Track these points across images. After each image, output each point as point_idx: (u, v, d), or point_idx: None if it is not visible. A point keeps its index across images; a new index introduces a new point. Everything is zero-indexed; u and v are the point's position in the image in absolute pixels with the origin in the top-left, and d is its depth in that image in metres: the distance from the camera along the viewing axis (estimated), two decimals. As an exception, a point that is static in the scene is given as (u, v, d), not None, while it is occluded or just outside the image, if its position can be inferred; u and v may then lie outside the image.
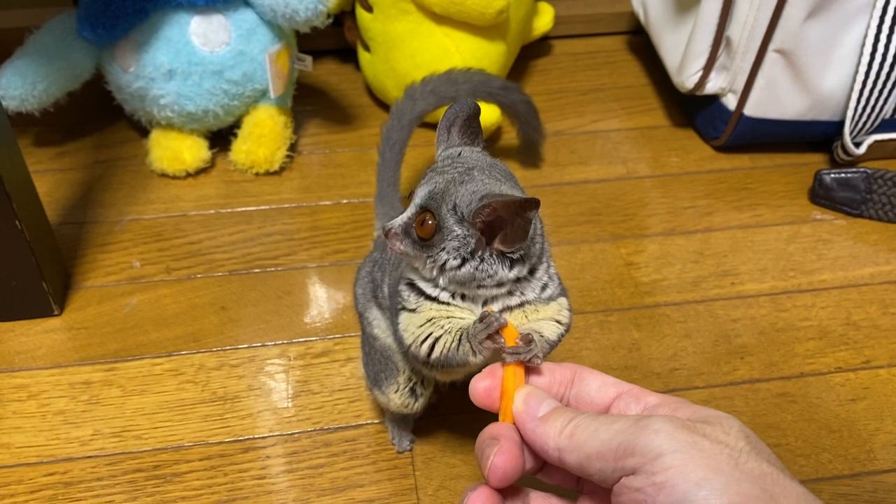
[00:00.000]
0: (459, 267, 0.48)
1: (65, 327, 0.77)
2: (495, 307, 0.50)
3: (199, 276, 0.83)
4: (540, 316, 0.51)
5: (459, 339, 0.49)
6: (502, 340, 0.46)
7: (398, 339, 0.54)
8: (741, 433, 0.36)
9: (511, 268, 0.49)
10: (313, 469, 0.66)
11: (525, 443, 0.41)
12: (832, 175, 0.91)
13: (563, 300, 0.52)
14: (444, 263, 0.48)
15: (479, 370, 0.45)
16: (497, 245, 0.47)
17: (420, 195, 0.48)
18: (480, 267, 0.48)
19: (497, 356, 0.47)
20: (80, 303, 0.80)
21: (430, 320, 0.51)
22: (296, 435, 0.69)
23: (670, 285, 0.83)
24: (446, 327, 0.50)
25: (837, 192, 0.91)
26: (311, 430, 0.69)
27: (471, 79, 0.82)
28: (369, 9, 0.98)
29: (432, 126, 0.97)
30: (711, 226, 0.90)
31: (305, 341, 0.77)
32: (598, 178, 0.97)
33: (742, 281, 0.84)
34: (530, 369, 0.45)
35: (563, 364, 0.45)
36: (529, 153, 0.97)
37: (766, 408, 0.71)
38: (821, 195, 0.92)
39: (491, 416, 0.44)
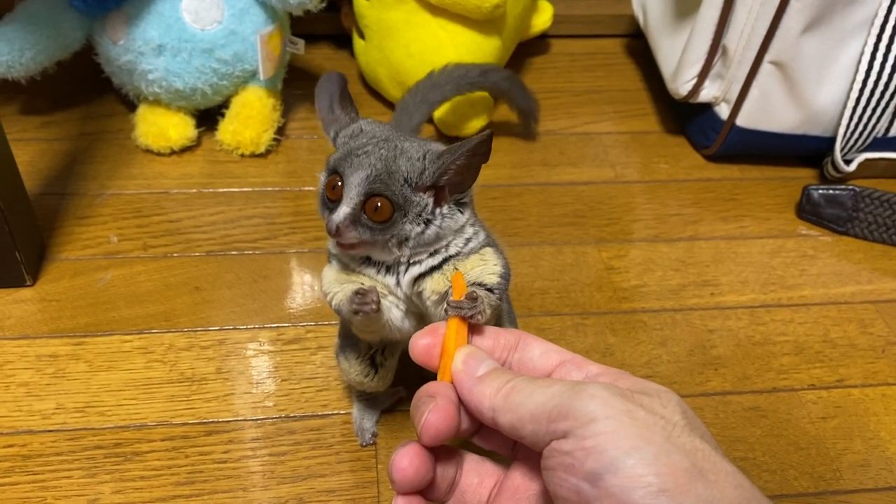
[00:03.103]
0: (424, 231, 0.50)
1: (36, 298, 0.77)
2: (416, 270, 0.52)
3: (175, 254, 0.82)
4: (462, 267, 0.52)
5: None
6: (370, 307, 0.50)
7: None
8: (678, 407, 0.36)
9: (464, 211, 0.51)
10: (275, 456, 0.66)
11: (461, 403, 0.41)
12: (820, 191, 0.91)
13: (487, 249, 0.53)
14: (409, 234, 0.50)
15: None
16: (451, 196, 0.50)
17: (357, 183, 0.48)
18: (443, 223, 0.50)
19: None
20: (53, 274, 0.79)
21: (336, 278, 0.54)
22: (260, 421, 0.68)
23: (650, 292, 0.83)
24: (343, 285, 0.53)
25: (825, 208, 0.91)
26: (276, 417, 0.69)
27: (451, 77, 0.87)
28: (366, -5, 0.97)
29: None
30: (696, 234, 0.90)
31: (278, 327, 0.76)
32: (585, 181, 0.96)
33: (722, 292, 0.83)
34: (474, 330, 0.44)
35: (508, 329, 0.45)
36: (528, 123, 1.00)
37: (735, 421, 0.71)
38: (808, 210, 0.92)
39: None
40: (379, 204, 0.48)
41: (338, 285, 0.54)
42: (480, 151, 0.47)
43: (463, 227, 0.52)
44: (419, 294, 0.53)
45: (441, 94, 0.87)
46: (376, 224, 0.49)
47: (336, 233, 0.48)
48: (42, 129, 0.96)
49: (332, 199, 0.49)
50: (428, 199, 0.49)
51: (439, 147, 0.50)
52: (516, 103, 0.97)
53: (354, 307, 0.51)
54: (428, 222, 0.50)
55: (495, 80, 0.92)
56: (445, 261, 0.52)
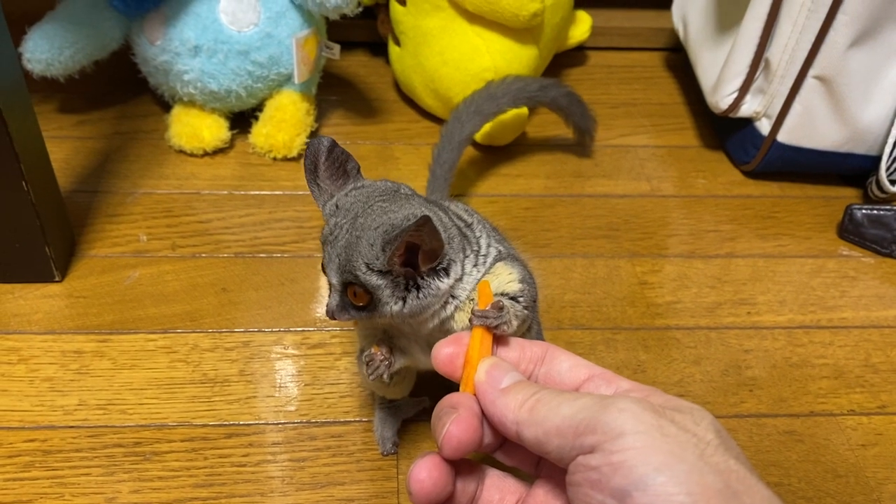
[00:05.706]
0: (403, 308, 0.49)
1: (64, 294, 0.77)
2: (431, 323, 0.51)
3: (203, 255, 0.82)
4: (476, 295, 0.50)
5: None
6: (382, 370, 0.54)
7: None
8: (711, 426, 0.34)
9: (447, 276, 0.49)
10: (295, 462, 0.64)
11: (484, 415, 0.39)
12: (864, 211, 0.88)
13: (497, 265, 0.52)
14: (391, 312, 0.49)
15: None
16: (423, 267, 0.48)
17: (332, 276, 0.49)
18: (422, 294, 0.48)
19: None
20: (82, 271, 0.79)
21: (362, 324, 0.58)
22: (282, 425, 0.67)
23: (684, 308, 0.80)
24: (364, 339, 0.58)
25: (868, 229, 0.88)
26: (297, 422, 0.67)
27: (509, 89, 0.85)
28: (403, 2, 0.97)
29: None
30: (733, 252, 0.88)
31: (303, 331, 0.75)
32: (620, 193, 0.94)
33: (759, 311, 0.81)
34: (499, 341, 0.43)
35: (535, 341, 0.43)
36: (584, 141, 0.99)
37: (770, 444, 0.68)
38: (850, 231, 0.89)
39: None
40: (356, 292, 0.48)
41: (362, 333, 0.58)
42: (418, 235, 0.44)
43: (454, 286, 0.50)
44: (446, 332, 0.52)
45: (496, 106, 0.85)
46: (361, 308, 0.49)
47: (332, 318, 0.50)
48: (77, 127, 0.97)
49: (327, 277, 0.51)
50: (397, 278, 0.48)
51: (404, 213, 0.47)
52: (574, 120, 0.95)
53: (370, 375, 0.54)
54: (405, 299, 0.48)
55: (554, 95, 0.90)
56: (458, 307, 0.51)
